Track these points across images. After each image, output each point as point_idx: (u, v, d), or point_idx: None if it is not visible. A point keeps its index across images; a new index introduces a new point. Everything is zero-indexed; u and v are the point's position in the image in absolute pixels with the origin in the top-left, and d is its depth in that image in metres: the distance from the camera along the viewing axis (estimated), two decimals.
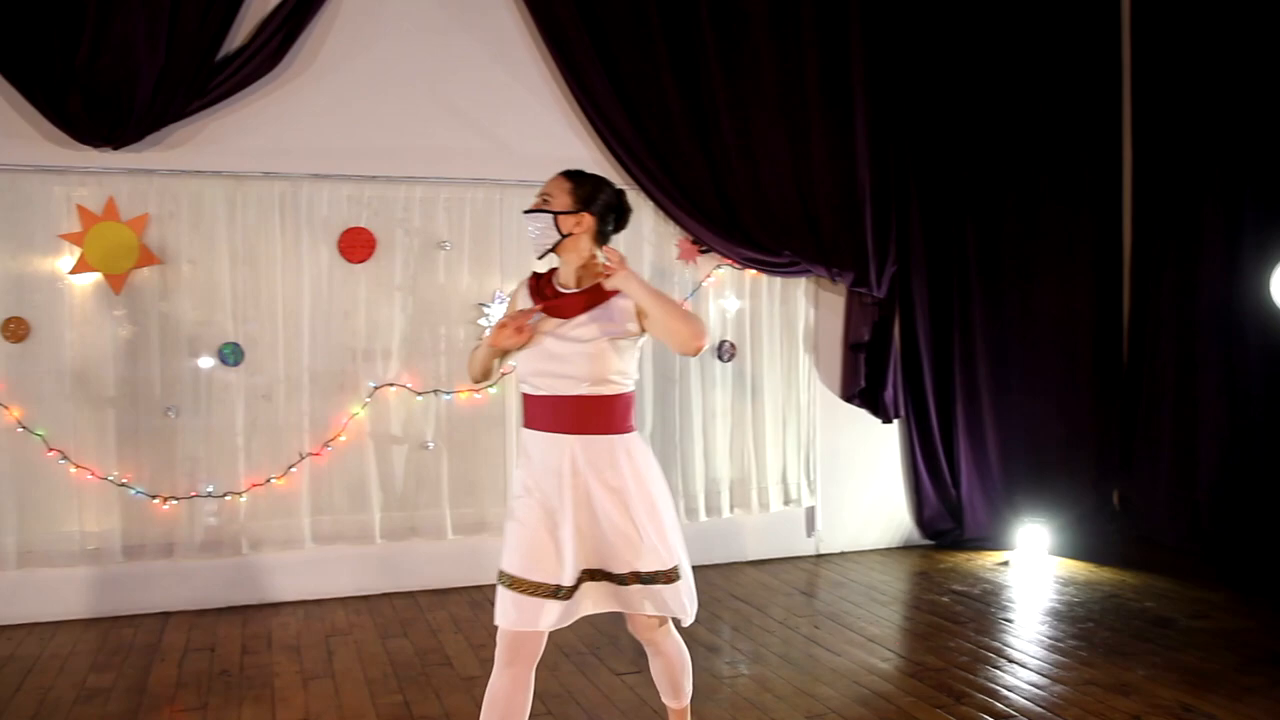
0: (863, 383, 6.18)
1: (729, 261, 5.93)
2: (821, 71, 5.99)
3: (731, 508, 5.99)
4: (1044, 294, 6.50)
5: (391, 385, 5.39)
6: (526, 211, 2.98)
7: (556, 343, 2.89)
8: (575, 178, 3.00)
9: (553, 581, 2.79)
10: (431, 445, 5.45)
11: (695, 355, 3.05)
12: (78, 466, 4.97)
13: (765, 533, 6.10)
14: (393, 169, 5.41)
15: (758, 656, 4.47)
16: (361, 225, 5.37)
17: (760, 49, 5.91)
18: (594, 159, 5.68)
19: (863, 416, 6.22)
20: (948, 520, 6.40)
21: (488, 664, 4.21)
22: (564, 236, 2.92)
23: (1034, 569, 5.86)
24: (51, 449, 4.94)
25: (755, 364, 6.06)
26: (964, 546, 6.31)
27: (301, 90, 5.33)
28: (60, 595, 4.93)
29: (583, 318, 2.90)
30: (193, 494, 5.12)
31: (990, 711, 3.81)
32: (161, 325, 5.13)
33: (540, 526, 2.82)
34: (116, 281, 5.03)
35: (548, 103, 5.70)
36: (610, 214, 3.02)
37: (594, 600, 2.90)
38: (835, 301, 6.24)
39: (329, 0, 5.31)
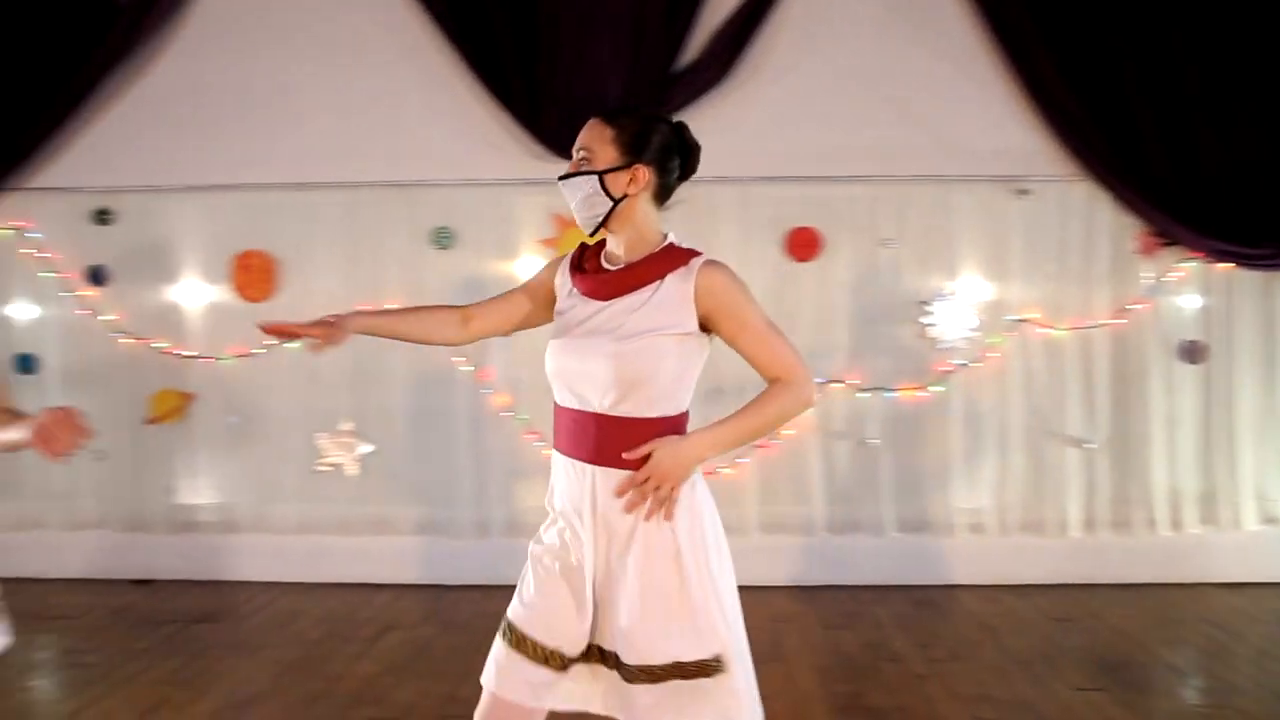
0: None
1: (1197, 255, 5.47)
2: None
3: (1197, 523, 5.53)
4: None
5: (836, 381, 5.50)
6: (563, 177, 2.31)
7: (587, 334, 2.25)
8: (616, 119, 2.30)
9: (553, 645, 2.25)
10: (874, 441, 5.49)
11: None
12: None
13: (1240, 553, 5.53)
14: (838, 169, 5.49)
15: (1235, 688, 4.10)
16: (808, 225, 5.51)
17: (1234, 20, 5.38)
18: (1043, 149, 5.48)
19: None
20: None
21: (936, 663, 4.25)
22: (617, 201, 2.27)
23: None
24: (530, 432, 5.52)
25: (1228, 367, 5.53)
26: None
27: (752, 96, 5.54)
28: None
29: (619, 304, 2.24)
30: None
31: None
32: None
33: (558, 572, 2.28)
34: None
35: (993, 94, 5.54)
36: (671, 158, 2.33)
37: (602, 696, 2.28)
38: None
39: (776, 8, 5.49)
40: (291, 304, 5.50)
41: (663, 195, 2.35)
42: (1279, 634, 4.78)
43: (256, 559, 5.59)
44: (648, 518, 2.14)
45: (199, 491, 5.73)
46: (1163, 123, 5.40)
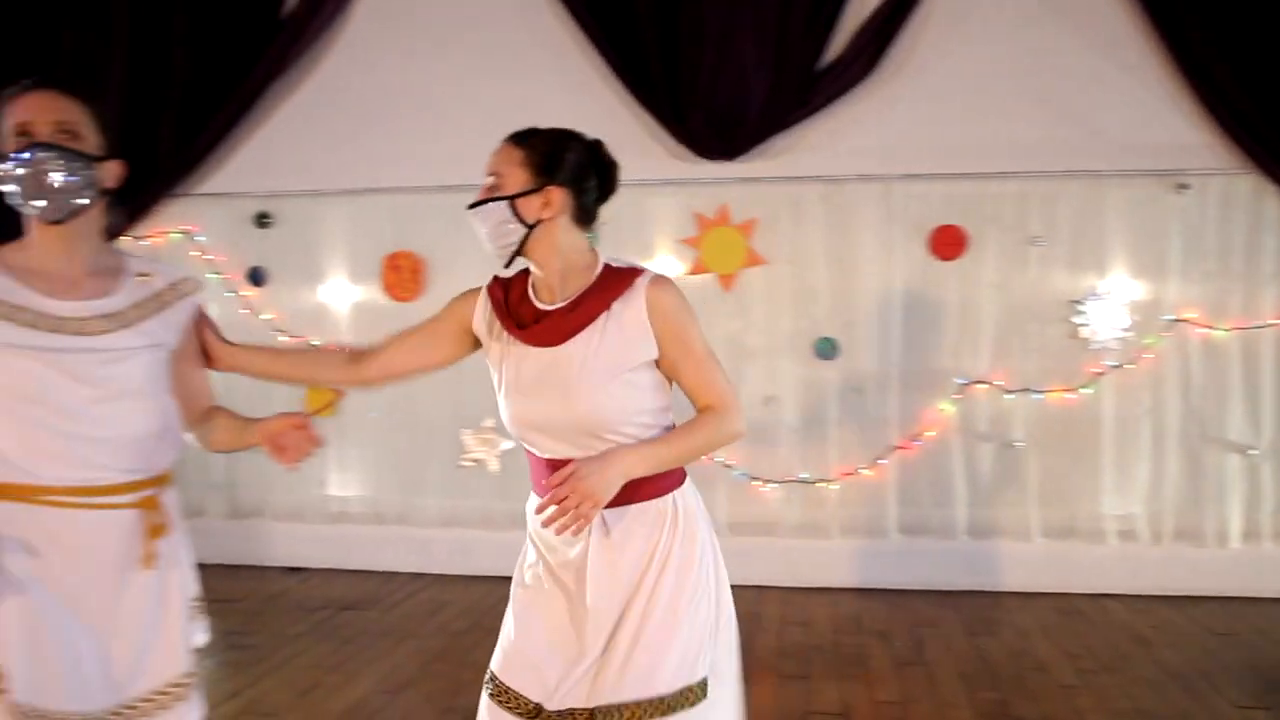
0: None
1: None
2: None
3: None
4: None
5: (981, 382, 5.37)
6: (472, 206, 2.18)
7: (541, 386, 2.13)
8: (525, 140, 2.18)
9: (534, 698, 2.16)
10: (1020, 444, 5.34)
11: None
12: None
13: None
14: (985, 165, 5.37)
15: None
16: (953, 223, 5.40)
17: None
18: (1205, 142, 5.25)
19: None
20: None
21: (1086, 675, 4.12)
22: (531, 227, 2.14)
23: None
24: None
25: None
26: None
27: (895, 93, 5.46)
28: None
29: (574, 345, 2.12)
30: (789, 479, 5.48)
31: None
32: (765, 321, 5.54)
33: (539, 617, 2.18)
34: (727, 281, 5.53)
35: (1149, 84, 5.32)
36: (588, 177, 2.19)
37: None
38: None
39: (922, 3, 5.39)
40: (438, 303, 5.64)
41: (583, 217, 2.20)
42: None
43: (403, 550, 5.77)
44: (559, 532, 2.04)
45: (349, 484, 5.95)
46: None
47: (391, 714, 3.87)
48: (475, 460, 5.66)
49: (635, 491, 2.10)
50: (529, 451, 2.21)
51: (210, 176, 5.93)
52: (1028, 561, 5.37)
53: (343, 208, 5.86)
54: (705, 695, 2.11)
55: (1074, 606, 5.06)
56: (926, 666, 4.29)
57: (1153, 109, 5.32)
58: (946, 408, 5.38)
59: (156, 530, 2.06)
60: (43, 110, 2.01)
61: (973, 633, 4.74)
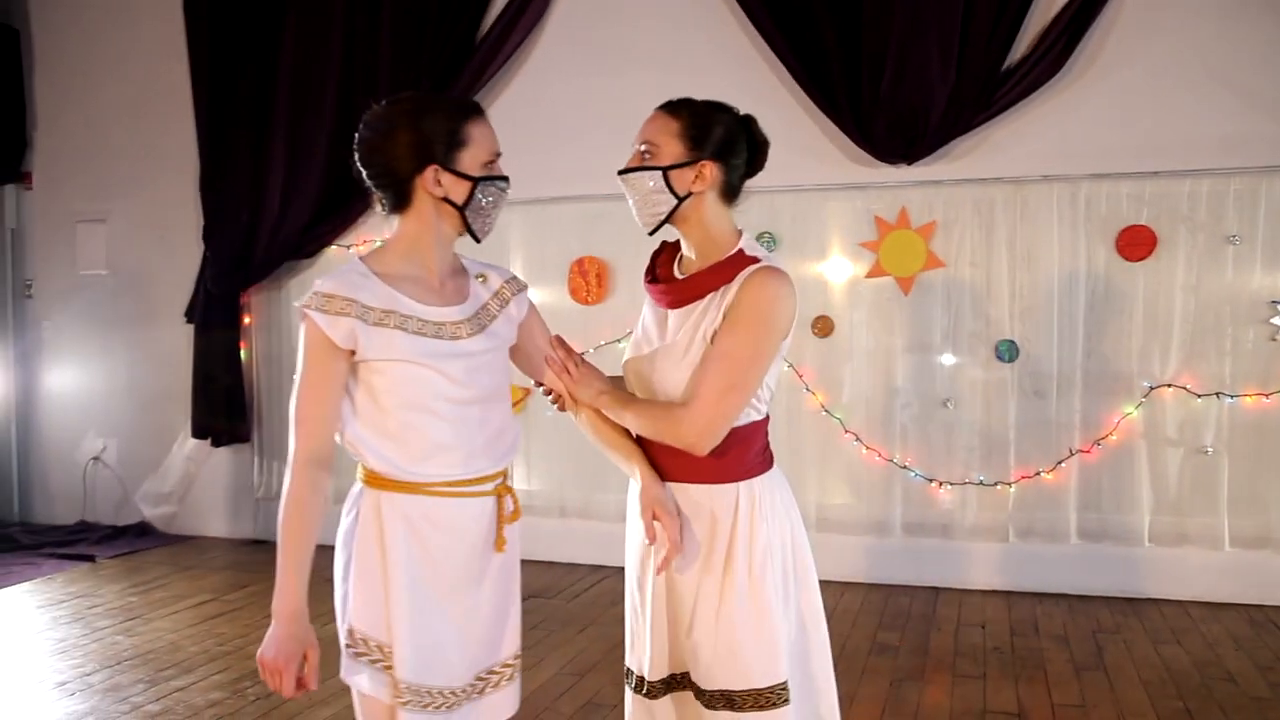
0: None
1: None
2: None
3: None
4: None
5: (1169, 386, 5.25)
6: (623, 171, 2.20)
7: (641, 344, 2.27)
8: (680, 111, 2.18)
9: (637, 670, 2.28)
10: (1210, 450, 5.20)
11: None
12: (868, 448, 5.61)
13: None
14: (1175, 163, 5.24)
15: None
16: (1141, 223, 5.29)
17: None
18: None
19: None
20: None
21: (1278, 688, 4.01)
22: (682, 200, 2.16)
23: None
24: (848, 431, 5.63)
25: None
26: None
27: (1082, 92, 5.39)
28: (846, 559, 5.63)
29: (679, 314, 2.19)
30: (966, 481, 5.49)
31: None
32: (944, 323, 5.56)
33: (643, 599, 2.26)
34: (906, 283, 5.57)
35: None
36: (738, 153, 2.18)
37: None
38: None
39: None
40: (619, 306, 5.95)
41: (729, 192, 2.20)
42: None
43: (585, 543, 6.03)
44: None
45: (534, 479, 6.25)
46: None
47: (579, 693, 4.10)
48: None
49: (688, 471, 2.15)
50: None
51: None
52: (1217, 570, 5.21)
53: (533, 215, 6.15)
54: (783, 700, 2.10)
55: (1267, 618, 4.90)
56: (1106, 673, 4.26)
57: None
58: (1131, 411, 5.28)
59: (511, 516, 2.19)
60: (499, 144, 2.14)
61: (1158, 641, 4.65)
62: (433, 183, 2.07)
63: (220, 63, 6.62)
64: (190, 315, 6.74)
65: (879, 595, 5.36)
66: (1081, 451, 5.33)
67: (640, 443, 2.23)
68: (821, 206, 5.72)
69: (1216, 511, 5.21)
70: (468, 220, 2.10)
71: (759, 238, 5.76)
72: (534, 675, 4.28)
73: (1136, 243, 5.30)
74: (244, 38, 6.56)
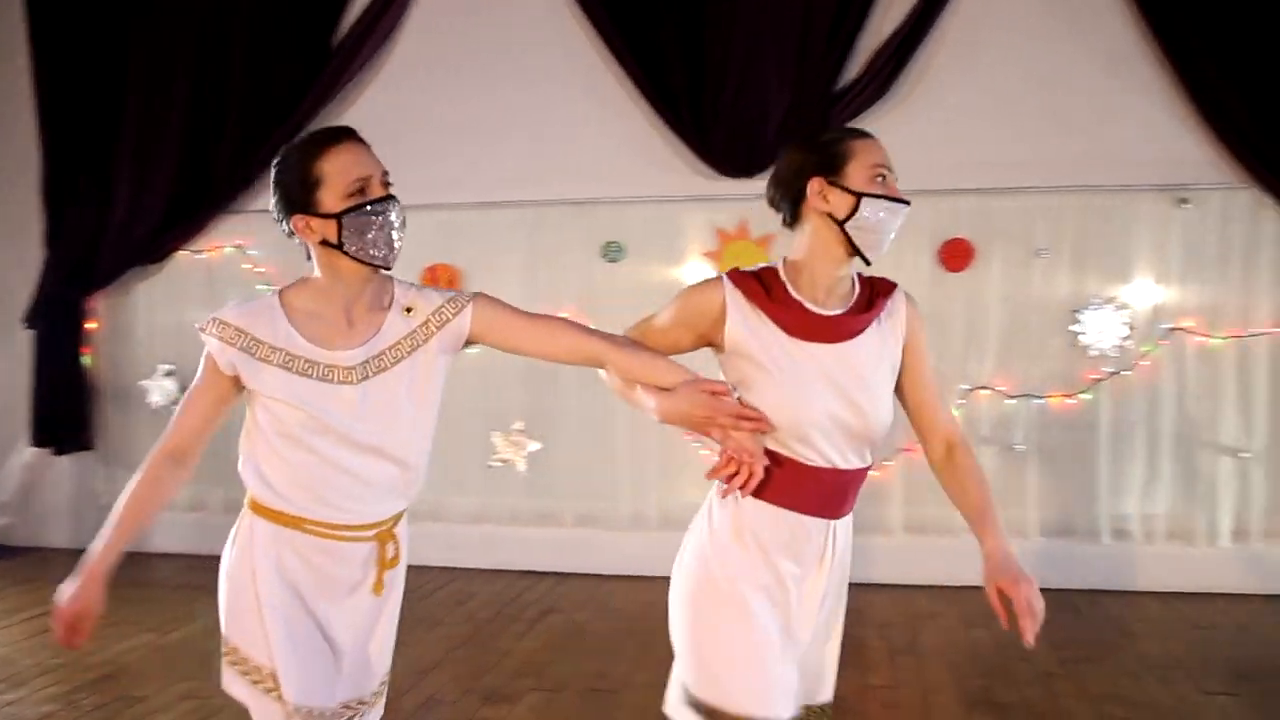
0: None
1: None
2: None
3: None
4: None
5: (984, 388, 5.64)
6: (900, 200, 2.20)
7: (852, 378, 2.14)
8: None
9: (761, 714, 2.11)
10: (1021, 447, 5.59)
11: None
12: (709, 449, 5.85)
13: None
14: (993, 180, 5.61)
15: None
16: (961, 236, 5.66)
17: None
18: (1207, 157, 5.49)
19: None
20: None
21: (1069, 664, 4.37)
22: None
23: None
24: (686, 432, 5.84)
25: None
26: None
27: (908, 112, 5.72)
28: None
29: (860, 344, 2.18)
30: None
31: None
32: None
33: (778, 644, 2.16)
34: None
35: (1155, 102, 5.56)
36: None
37: None
38: None
39: (936, 26, 5.67)
40: None
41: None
42: None
43: (436, 545, 6.11)
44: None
45: None
46: None
47: (419, 693, 4.21)
48: (503, 461, 6.02)
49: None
50: (786, 458, 2.13)
51: (264, 193, 6.31)
52: (1025, 559, 5.48)
53: None
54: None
55: (1068, 602, 5.28)
56: (917, 656, 4.57)
57: (1157, 126, 5.55)
58: (954, 413, 5.63)
59: (391, 562, 2.21)
60: (375, 165, 2.10)
61: (971, 624, 5.00)
62: (305, 230, 2.08)
63: (64, 62, 6.49)
64: (30, 321, 6.59)
65: None
66: (907, 450, 5.66)
67: (849, 498, 2.22)
68: (667, 217, 5.95)
69: (1025, 504, 5.61)
70: (351, 254, 2.07)
71: (606, 247, 5.96)
72: None
73: (957, 255, 5.67)
74: (90, 37, 6.45)
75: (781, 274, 2.22)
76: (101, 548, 2.12)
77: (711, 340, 2.22)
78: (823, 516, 2.17)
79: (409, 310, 2.16)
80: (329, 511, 2.10)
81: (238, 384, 2.11)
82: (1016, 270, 5.65)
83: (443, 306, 2.17)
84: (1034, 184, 5.59)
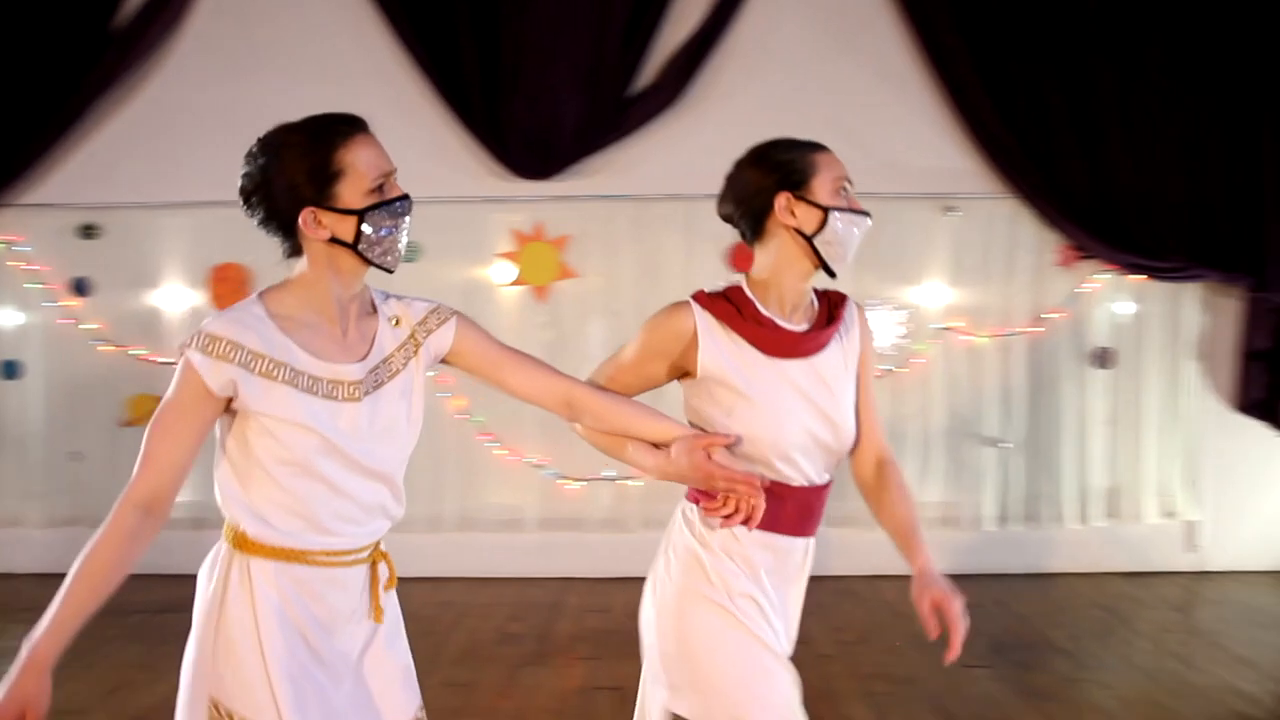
0: (1262, 393, 5.85)
1: (1112, 267, 5.86)
2: (1218, 67, 5.75)
3: (1103, 516, 5.94)
4: None
5: None
6: (863, 213, 2.26)
7: (824, 392, 2.14)
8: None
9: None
10: None
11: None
12: (505, 449, 5.92)
13: (1140, 545, 5.97)
14: None
15: (1110, 665, 4.50)
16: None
17: (1148, 47, 5.78)
18: (972, 169, 5.89)
19: (1260, 429, 5.88)
20: None
21: (844, 645, 4.63)
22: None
23: None
24: (484, 434, 5.91)
25: (1137, 371, 5.94)
26: None
27: (699, 120, 5.92)
28: (487, 556, 5.86)
29: (827, 356, 2.18)
30: (594, 477, 5.90)
31: None
32: (576, 330, 5.96)
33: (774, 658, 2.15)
34: (541, 293, 5.92)
35: (927, 117, 5.95)
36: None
37: None
38: (1231, 307, 5.94)
39: (725, 36, 5.88)
40: None
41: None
42: (1160, 617, 5.21)
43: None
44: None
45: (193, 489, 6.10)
46: (1083, 145, 5.79)
47: None
48: None
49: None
50: (784, 486, 2.11)
51: (35, 188, 6.02)
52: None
53: (172, 220, 6.00)
54: None
55: (849, 587, 5.60)
56: None
57: (929, 139, 5.93)
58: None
59: (388, 583, 2.01)
60: (389, 161, 1.93)
61: None
62: (312, 225, 1.87)
63: None
64: None
65: (513, 589, 5.66)
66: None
67: (818, 516, 2.20)
68: (464, 218, 5.96)
69: None
70: (364, 256, 1.89)
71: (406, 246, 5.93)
72: (146, 692, 4.26)
73: (745, 257, 5.87)
74: None
75: (748, 292, 2.21)
76: (49, 629, 1.77)
77: (685, 367, 2.17)
78: (801, 535, 2.18)
79: (396, 321, 2.00)
80: (328, 539, 1.89)
81: (224, 408, 1.86)
82: None
83: (427, 317, 2.02)
84: None
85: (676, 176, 5.90)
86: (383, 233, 1.89)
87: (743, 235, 2.27)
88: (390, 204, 1.89)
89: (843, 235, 2.18)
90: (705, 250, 5.90)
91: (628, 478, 5.87)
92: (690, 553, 2.14)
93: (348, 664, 1.95)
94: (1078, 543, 5.94)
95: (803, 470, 2.12)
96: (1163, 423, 5.96)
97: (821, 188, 2.17)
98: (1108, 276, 5.91)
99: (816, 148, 2.22)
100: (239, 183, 1.92)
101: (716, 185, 5.82)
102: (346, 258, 1.89)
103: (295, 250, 1.92)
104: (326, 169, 1.86)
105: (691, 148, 5.92)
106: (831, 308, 2.25)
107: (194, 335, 1.82)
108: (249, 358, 1.81)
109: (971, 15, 5.76)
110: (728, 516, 1.97)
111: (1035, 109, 5.81)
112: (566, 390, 2.07)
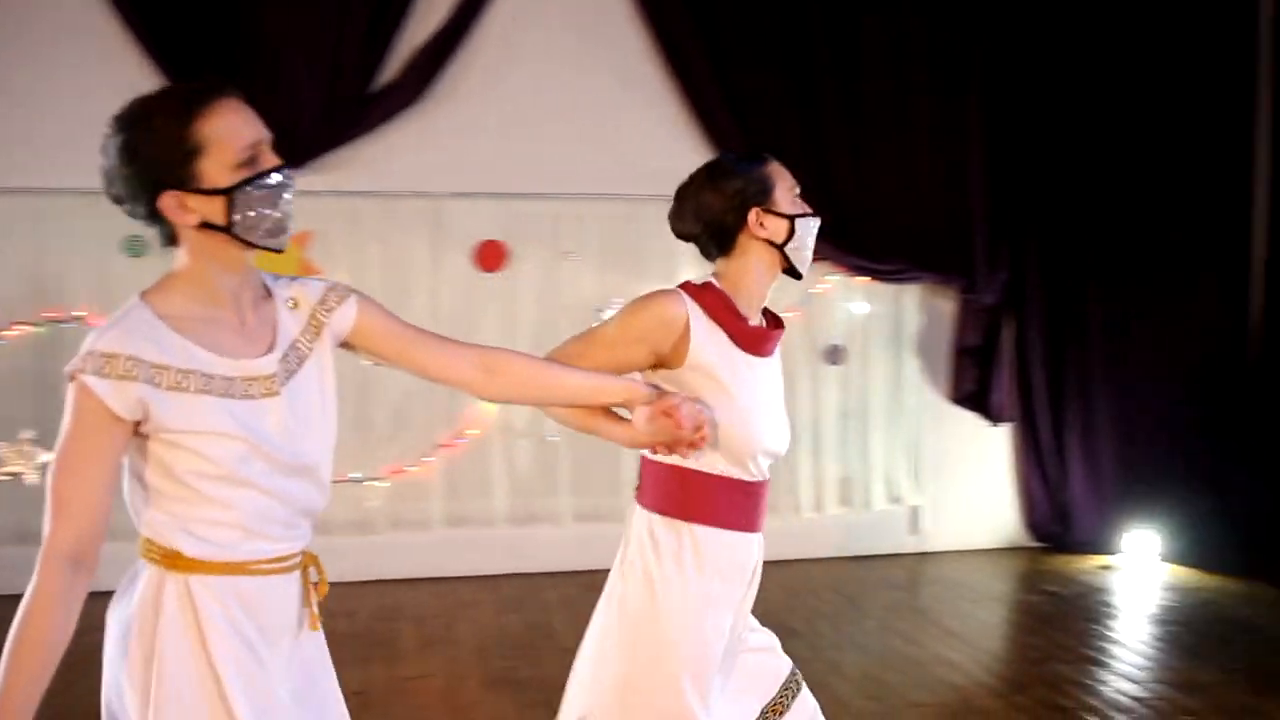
0: (972, 386, 6.34)
1: (840, 269, 6.19)
2: (935, 88, 6.19)
3: (836, 504, 6.29)
4: (1164, 296, 6.43)
5: None
6: (815, 215, 2.33)
7: (777, 392, 2.30)
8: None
9: None
10: (554, 438, 5.89)
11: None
12: None
13: (870, 530, 6.35)
14: (525, 186, 5.89)
15: (835, 644, 4.77)
16: (495, 238, 5.89)
17: (873, 67, 6.16)
18: None
19: (973, 419, 6.37)
20: (1056, 523, 6.48)
21: None
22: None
23: (1137, 573, 5.92)
24: None
25: (864, 367, 6.32)
26: (1071, 550, 6.37)
27: (446, 116, 5.86)
28: None
29: (775, 358, 2.34)
30: (340, 479, 5.74)
31: (1046, 703, 4.00)
32: None
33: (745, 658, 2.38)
34: None
35: (665, 120, 6.09)
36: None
37: None
38: (946, 307, 6.41)
39: (471, 34, 5.85)
40: None
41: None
42: (886, 598, 5.56)
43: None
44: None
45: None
46: (808, 152, 6.07)
47: None
48: (11, 474, 5.49)
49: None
50: (737, 480, 2.19)
51: None
52: (560, 544, 5.96)
53: None
54: None
55: (597, 582, 5.64)
56: (452, 645, 4.73)
57: (669, 141, 6.07)
58: (488, 407, 5.86)
59: (319, 587, 1.85)
60: (262, 127, 1.76)
61: (502, 610, 5.24)
62: (177, 210, 1.67)
63: None
64: None
65: None
66: (445, 446, 5.81)
67: (764, 508, 2.27)
68: None
69: (558, 492, 5.95)
70: (241, 237, 1.69)
71: (128, 241, 5.60)
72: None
73: (491, 255, 5.90)
74: None
75: (723, 290, 2.26)
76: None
77: (666, 357, 2.16)
78: (755, 531, 2.24)
79: (294, 304, 1.82)
80: (263, 545, 1.73)
81: (135, 429, 1.65)
82: (547, 271, 5.97)
83: (325, 296, 1.85)
84: (561, 190, 5.93)
85: (424, 174, 5.84)
86: (259, 211, 1.70)
87: (705, 252, 2.33)
88: (262, 176, 1.70)
89: (807, 240, 2.28)
90: (453, 249, 5.87)
91: (374, 479, 5.75)
92: (678, 590, 2.20)
93: (288, 680, 1.82)
94: (814, 530, 6.24)
95: (760, 465, 2.22)
96: (889, 415, 6.36)
97: (783, 198, 2.26)
98: (837, 278, 6.24)
99: (765, 159, 2.31)
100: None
101: (465, 184, 5.85)
102: (224, 242, 1.70)
103: (172, 239, 1.74)
104: (183, 145, 1.67)
105: (438, 145, 5.87)
106: (772, 312, 2.36)
107: (84, 357, 1.61)
108: (153, 372, 1.63)
109: (710, 22, 5.96)
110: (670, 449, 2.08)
111: (768, 116, 6.07)
112: (480, 354, 1.97)
